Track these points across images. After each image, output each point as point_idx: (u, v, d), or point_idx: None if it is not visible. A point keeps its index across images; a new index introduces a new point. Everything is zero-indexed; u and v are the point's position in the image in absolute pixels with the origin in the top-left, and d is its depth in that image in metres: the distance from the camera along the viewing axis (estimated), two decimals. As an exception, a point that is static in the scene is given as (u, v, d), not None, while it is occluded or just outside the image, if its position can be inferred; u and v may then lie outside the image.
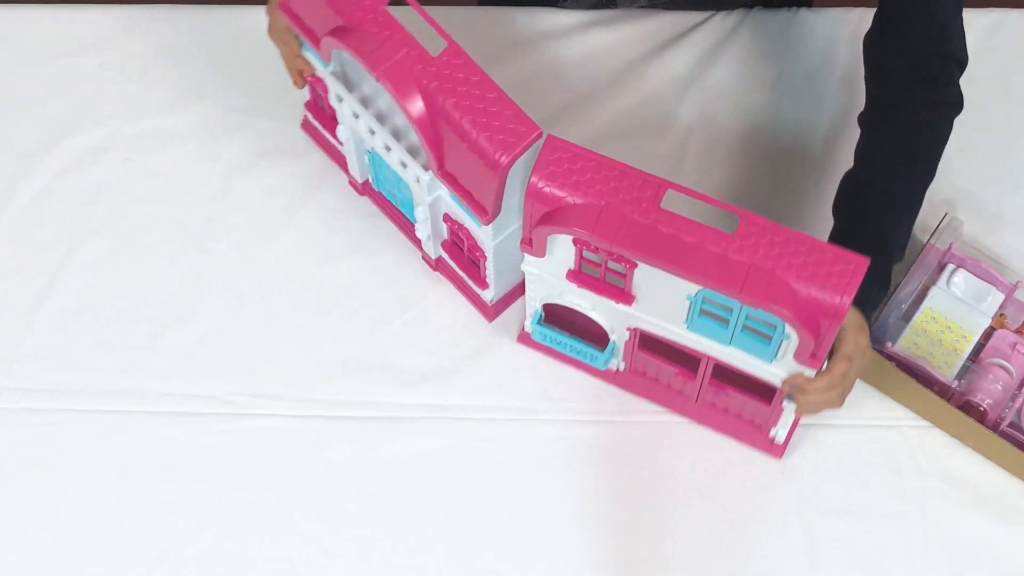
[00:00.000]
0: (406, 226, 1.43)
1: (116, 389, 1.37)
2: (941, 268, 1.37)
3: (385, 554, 1.29)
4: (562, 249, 1.22)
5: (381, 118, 1.30)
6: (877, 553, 1.29)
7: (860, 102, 1.34)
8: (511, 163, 1.16)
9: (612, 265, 1.20)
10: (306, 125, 1.50)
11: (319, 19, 1.26)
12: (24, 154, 1.50)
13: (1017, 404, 1.31)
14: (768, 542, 1.30)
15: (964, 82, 1.31)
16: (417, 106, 1.19)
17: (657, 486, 1.32)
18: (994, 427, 1.31)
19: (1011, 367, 1.34)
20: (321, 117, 1.46)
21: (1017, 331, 1.36)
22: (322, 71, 1.34)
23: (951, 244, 1.37)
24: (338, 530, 1.30)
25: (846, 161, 1.32)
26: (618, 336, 1.31)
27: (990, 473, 1.33)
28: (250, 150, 1.49)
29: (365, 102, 1.30)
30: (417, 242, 1.43)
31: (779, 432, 1.32)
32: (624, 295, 1.23)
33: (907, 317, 1.35)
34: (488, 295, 1.38)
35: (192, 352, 1.39)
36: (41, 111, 1.53)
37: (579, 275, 1.24)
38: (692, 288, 1.16)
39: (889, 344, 1.32)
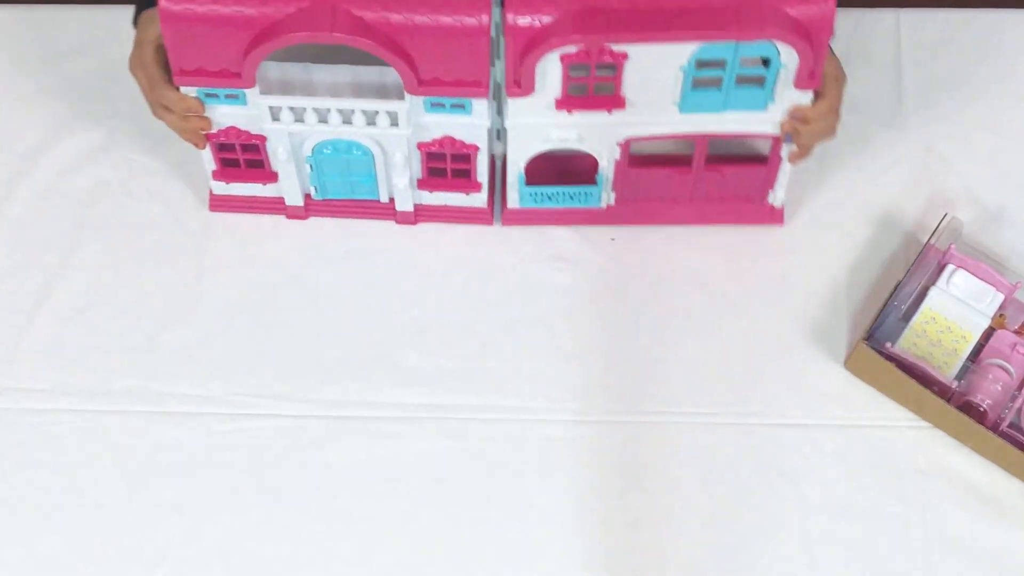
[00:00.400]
0: (368, 210, 1.44)
1: (116, 389, 1.37)
2: (941, 268, 1.37)
3: (385, 554, 1.29)
4: (548, 78, 1.25)
5: (339, 93, 1.30)
6: (877, 553, 1.29)
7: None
8: (490, 16, 1.19)
9: (600, 72, 1.24)
10: (216, 202, 1.45)
11: (222, 55, 1.24)
12: (24, 154, 1.50)
13: (1017, 404, 1.31)
14: (768, 542, 1.30)
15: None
16: (378, 35, 1.20)
17: (657, 486, 1.32)
18: (994, 427, 1.31)
19: (1011, 367, 1.34)
20: (235, 174, 1.42)
21: (1017, 331, 1.36)
22: (230, 112, 1.31)
23: (951, 244, 1.37)
24: (338, 530, 1.30)
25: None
26: (607, 160, 1.35)
27: (990, 473, 1.33)
28: (250, 150, 1.49)
29: (313, 92, 1.29)
30: (386, 213, 1.43)
31: (778, 194, 1.40)
32: (616, 100, 1.27)
33: (906, 318, 1.35)
34: (482, 197, 1.41)
35: (192, 352, 1.39)
36: (41, 111, 1.52)
37: (568, 100, 1.27)
38: (684, 56, 1.21)
39: (888, 344, 1.32)
